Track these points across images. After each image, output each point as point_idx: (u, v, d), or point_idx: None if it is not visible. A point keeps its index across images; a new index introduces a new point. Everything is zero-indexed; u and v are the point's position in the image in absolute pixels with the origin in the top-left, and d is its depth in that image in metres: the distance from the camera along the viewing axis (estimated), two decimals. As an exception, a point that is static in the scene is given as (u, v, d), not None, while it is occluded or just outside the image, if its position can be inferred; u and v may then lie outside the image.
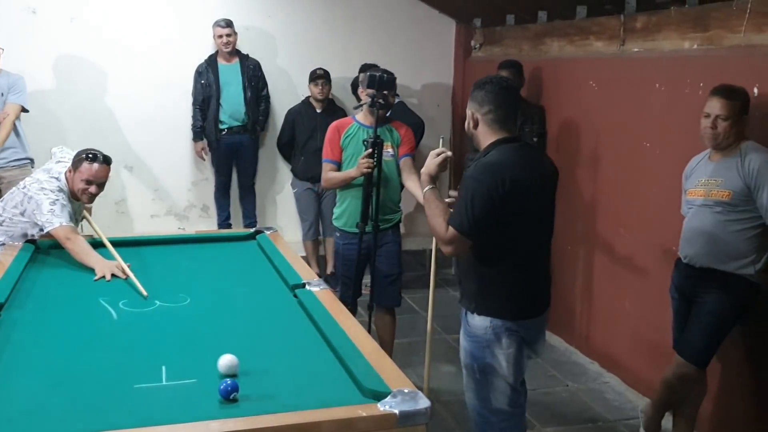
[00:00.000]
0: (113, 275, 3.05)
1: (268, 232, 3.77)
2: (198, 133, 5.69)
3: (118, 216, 5.70)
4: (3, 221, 3.57)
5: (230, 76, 5.63)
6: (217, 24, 5.55)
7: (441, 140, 3.10)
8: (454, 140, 6.46)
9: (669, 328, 3.54)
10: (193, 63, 5.62)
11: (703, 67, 3.70)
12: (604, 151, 4.47)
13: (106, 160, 3.47)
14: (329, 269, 5.95)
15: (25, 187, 3.49)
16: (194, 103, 5.66)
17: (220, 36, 5.53)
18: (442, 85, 6.44)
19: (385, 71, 3.82)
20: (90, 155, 3.42)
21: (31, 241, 3.46)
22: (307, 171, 5.79)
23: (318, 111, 5.74)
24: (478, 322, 2.67)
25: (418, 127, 5.33)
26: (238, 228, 5.97)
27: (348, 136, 3.87)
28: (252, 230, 3.85)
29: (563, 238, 4.94)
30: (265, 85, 5.81)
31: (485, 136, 2.65)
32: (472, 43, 6.20)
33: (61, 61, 5.43)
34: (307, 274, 3.03)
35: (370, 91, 3.71)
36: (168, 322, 2.58)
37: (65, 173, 3.49)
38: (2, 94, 4.84)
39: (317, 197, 5.88)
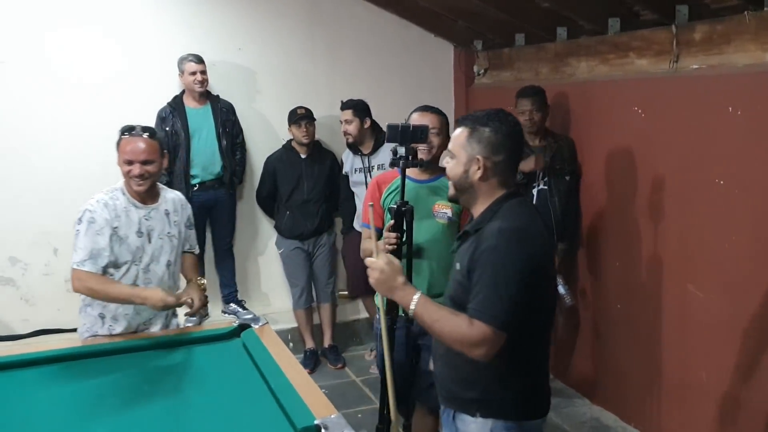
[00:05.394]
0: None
1: (256, 326, 2.91)
2: None
3: (69, 297, 4.75)
4: None
5: (201, 121, 4.75)
6: (187, 59, 4.69)
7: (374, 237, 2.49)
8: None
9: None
10: (150, 108, 4.72)
11: (794, 83, 2.94)
12: (660, 190, 3.67)
13: (148, 131, 2.90)
14: (326, 341, 5.08)
15: None
16: (158, 155, 4.76)
17: (193, 73, 4.66)
18: (442, 117, 5.63)
19: (429, 108, 3.13)
20: (126, 128, 2.90)
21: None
22: (294, 227, 4.94)
23: (303, 156, 4.91)
24: (475, 427, 2.12)
25: None
26: (215, 299, 5.09)
27: (391, 192, 3.12)
28: (235, 325, 2.96)
29: (610, 295, 4.13)
30: (240, 131, 4.96)
31: (490, 190, 2.11)
32: (475, 68, 5.42)
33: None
34: (321, 405, 2.15)
35: (393, 145, 2.90)
36: None
37: (118, 165, 2.94)
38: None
39: (308, 257, 5.02)
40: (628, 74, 3.88)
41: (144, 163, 2.83)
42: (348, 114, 4.76)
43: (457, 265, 2.11)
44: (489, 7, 4.53)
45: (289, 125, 4.87)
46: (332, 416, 2.06)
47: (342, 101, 4.84)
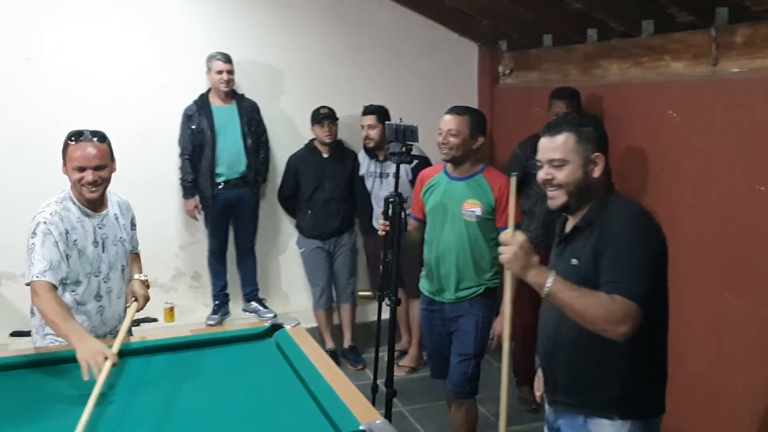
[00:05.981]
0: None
1: (289, 327, 2.85)
2: (189, 188, 4.76)
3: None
4: (32, 304, 2.75)
5: (226, 120, 4.72)
6: (215, 58, 4.67)
7: (513, 179, 2.20)
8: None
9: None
10: (177, 106, 4.71)
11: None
12: (696, 195, 3.61)
13: (97, 135, 2.74)
14: (346, 342, 5.03)
15: None
16: (182, 153, 4.74)
17: (220, 72, 4.64)
18: (465, 118, 5.59)
19: (454, 109, 3.30)
20: (73, 134, 2.74)
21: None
22: (315, 227, 4.90)
23: (325, 156, 4.87)
24: (613, 430, 2.11)
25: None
26: (236, 298, 5.07)
27: (430, 187, 3.36)
28: (268, 325, 2.91)
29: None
30: (264, 130, 4.93)
31: (600, 186, 2.16)
32: (500, 68, 5.36)
33: (16, 109, 4.49)
34: (364, 410, 2.10)
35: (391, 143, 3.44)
36: None
37: (63, 173, 2.79)
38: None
39: (328, 257, 4.97)
40: (662, 77, 3.82)
41: (96, 168, 2.70)
42: (371, 119, 4.72)
43: (574, 261, 2.11)
44: (518, 7, 4.48)
45: (312, 125, 4.84)
46: (377, 422, 2.00)
47: (364, 106, 4.80)
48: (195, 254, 5.05)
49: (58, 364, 2.49)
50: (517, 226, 3.25)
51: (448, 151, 3.22)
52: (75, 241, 2.70)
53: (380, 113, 4.73)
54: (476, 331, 3.33)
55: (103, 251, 2.80)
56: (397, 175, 3.35)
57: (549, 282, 2.00)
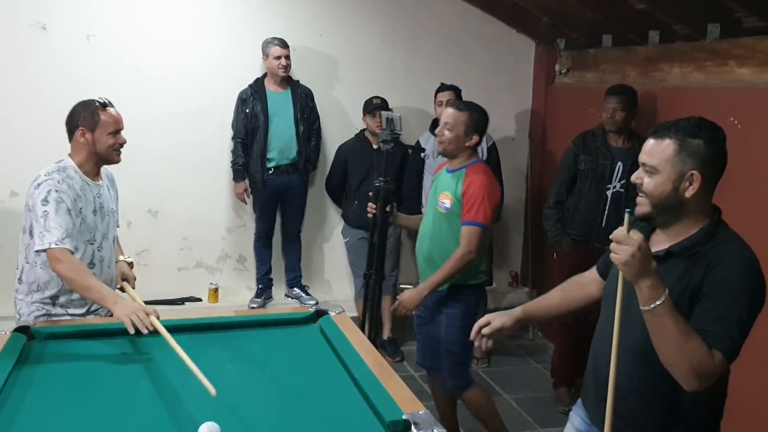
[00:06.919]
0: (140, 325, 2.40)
1: (334, 313, 2.86)
2: (240, 171, 4.81)
3: (139, 270, 4.74)
4: (21, 270, 2.83)
5: (280, 105, 4.76)
6: (272, 43, 4.69)
7: (626, 216, 1.79)
8: (532, 191, 5.54)
9: None
10: (231, 90, 4.76)
11: None
12: (754, 205, 3.51)
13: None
14: (386, 334, 5.04)
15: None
16: (235, 137, 4.79)
17: (278, 57, 4.67)
18: (519, 114, 5.54)
19: (458, 105, 3.44)
20: (99, 102, 2.80)
21: (22, 329, 2.57)
22: (361, 217, 4.88)
23: (374, 147, 4.86)
24: None
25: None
26: (279, 283, 5.11)
27: (436, 178, 3.50)
28: (312, 310, 2.93)
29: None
30: (317, 118, 4.95)
31: (698, 208, 1.89)
32: (557, 67, 5.29)
33: (75, 85, 4.54)
34: (407, 399, 2.08)
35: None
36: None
37: (78, 139, 2.79)
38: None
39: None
40: (725, 83, 3.72)
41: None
42: (450, 95, 4.70)
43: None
44: (578, 5, 4.42)
45: (364, 114, 4.84)
46: (420, 412, 1.99)
47: (442, 83, 4.78)
48: (241, 237, 5.11)
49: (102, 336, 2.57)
50: (482, 226, 3.21)
51: (441, 143, 3.31)
52: (81, 209, 2.76)
53: (457, 90, 4.74)
54: (440, 328, 3.37)
55: (101, 220, 2.87)
56: (385, 163, 3.58)
57: (662, 299, 1.72)
